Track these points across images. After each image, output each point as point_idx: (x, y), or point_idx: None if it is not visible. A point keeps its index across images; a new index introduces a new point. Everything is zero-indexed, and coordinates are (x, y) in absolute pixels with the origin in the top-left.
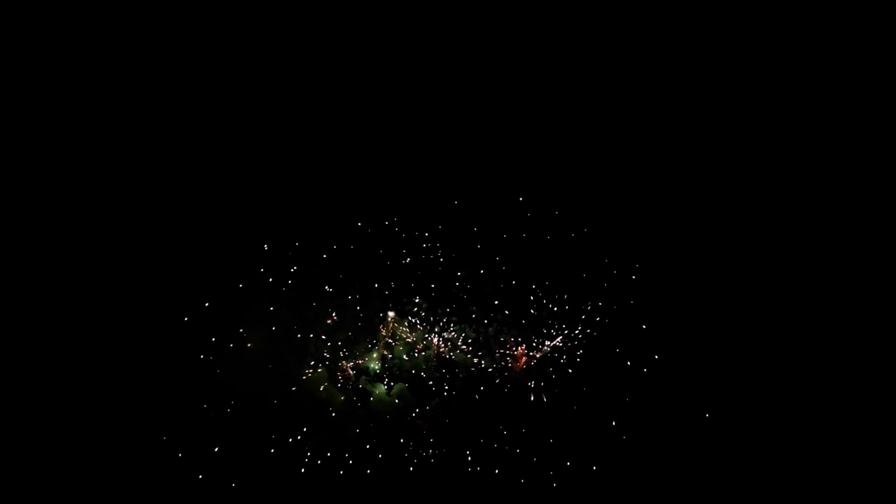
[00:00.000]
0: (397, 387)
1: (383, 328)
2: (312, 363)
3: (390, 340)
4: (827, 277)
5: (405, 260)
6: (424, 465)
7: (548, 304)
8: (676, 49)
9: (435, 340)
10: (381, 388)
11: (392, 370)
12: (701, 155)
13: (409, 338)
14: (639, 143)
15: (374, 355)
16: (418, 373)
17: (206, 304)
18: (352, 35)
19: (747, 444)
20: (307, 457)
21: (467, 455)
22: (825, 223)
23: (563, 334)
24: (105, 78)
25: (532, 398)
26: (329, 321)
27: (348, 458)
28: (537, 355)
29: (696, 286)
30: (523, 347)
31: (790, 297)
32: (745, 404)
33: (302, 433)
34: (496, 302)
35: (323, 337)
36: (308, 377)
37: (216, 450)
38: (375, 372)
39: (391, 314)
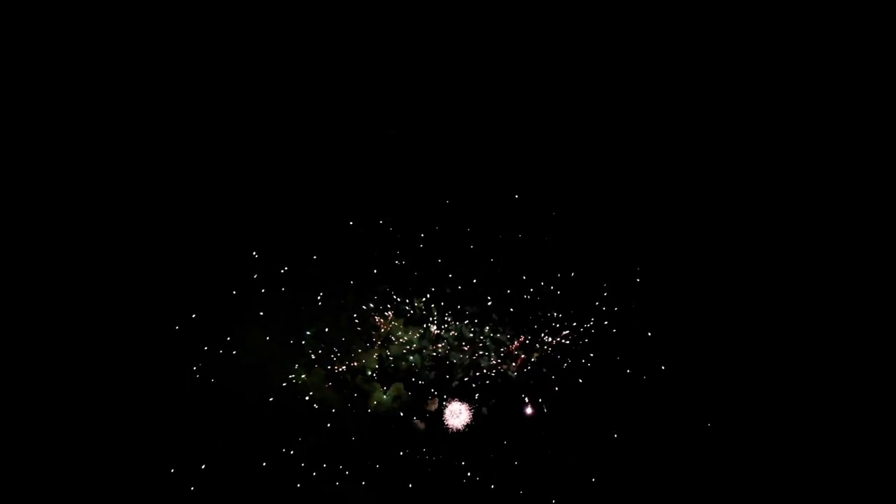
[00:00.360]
0: (394, 387)
1: (380, 327)
2: (297, 366)
3: (391, 338)
4: (829, 280)
5: (401, 261)
6: (422, 468)
7: (544, 303)
8: (676, 49)
9: (433, 335)
10: (379, 389)
11: (389, 370)
12: (702, 157)
13: (405, 337)
14: (637, 144)
15: (374, 356)
16: (416, 373)
17: (194, 315)
18: (343, 36)
19: (748, 454)
20: (303, 462)
21: (463, 463)
22: (827, 225)
23: (562, 333)
24: (89, 89)
25: (530, 409)
26: (325, 323)
27: (345, 462)
28: (534, 357)
29: (697, 289)
30: (522, 339)
31: (792, 301)
32: (747, 414)
33: (298, 436)
34: (490, 302)
35: (308, 333)
36: (304, 380)
37: (203, 467)
38: (373, 375)
39: (388, 314)
